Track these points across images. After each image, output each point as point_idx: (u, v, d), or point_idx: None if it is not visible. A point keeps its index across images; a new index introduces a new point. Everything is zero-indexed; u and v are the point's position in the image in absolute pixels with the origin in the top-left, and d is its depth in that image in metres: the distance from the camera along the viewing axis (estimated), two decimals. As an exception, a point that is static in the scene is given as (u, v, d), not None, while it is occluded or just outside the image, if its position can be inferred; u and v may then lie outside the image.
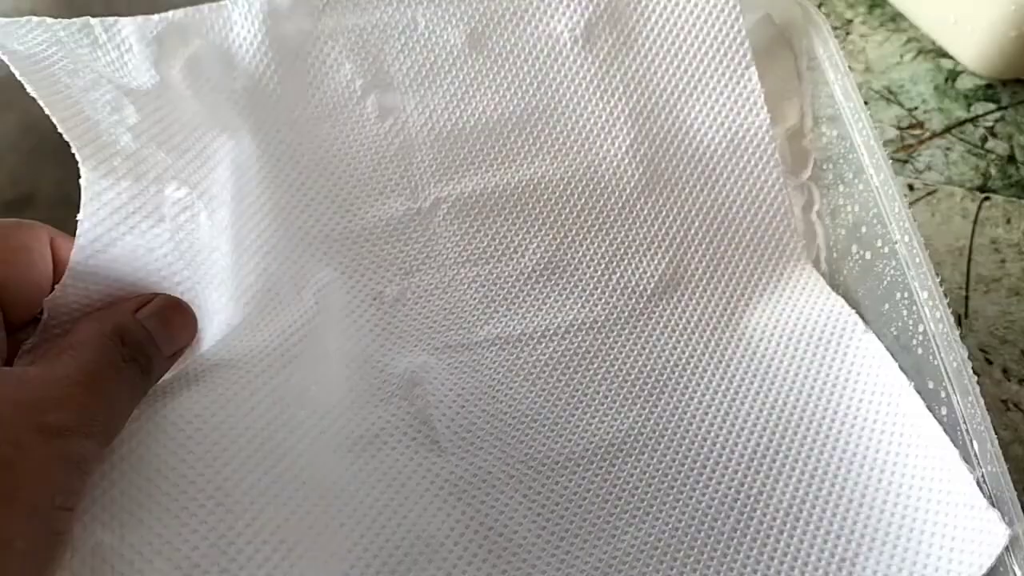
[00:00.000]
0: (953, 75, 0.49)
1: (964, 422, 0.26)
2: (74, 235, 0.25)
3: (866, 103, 0.49)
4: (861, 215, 0.32)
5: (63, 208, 0.27)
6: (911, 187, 0.45)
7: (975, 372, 0.40)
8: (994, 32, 0.45)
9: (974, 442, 0.26)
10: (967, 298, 0.42)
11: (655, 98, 0.35)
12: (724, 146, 0.35)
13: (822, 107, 0.35)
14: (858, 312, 0.32)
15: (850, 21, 0.52)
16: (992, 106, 0.48)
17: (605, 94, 0.35)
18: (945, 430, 0.27)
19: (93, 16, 0.31)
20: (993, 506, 0.25)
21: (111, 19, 0.32)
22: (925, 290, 0.29)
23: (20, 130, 0.40)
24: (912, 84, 0.49)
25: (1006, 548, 0.25)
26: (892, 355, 0.30)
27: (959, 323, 0.41)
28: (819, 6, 0.53)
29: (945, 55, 0.50)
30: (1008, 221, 0.44)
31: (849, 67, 0.51)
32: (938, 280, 0.29)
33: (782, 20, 0.34)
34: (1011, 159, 0.46)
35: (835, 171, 0.34)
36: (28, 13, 0.30)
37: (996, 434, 0.37)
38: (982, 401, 0.26)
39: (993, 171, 0.46)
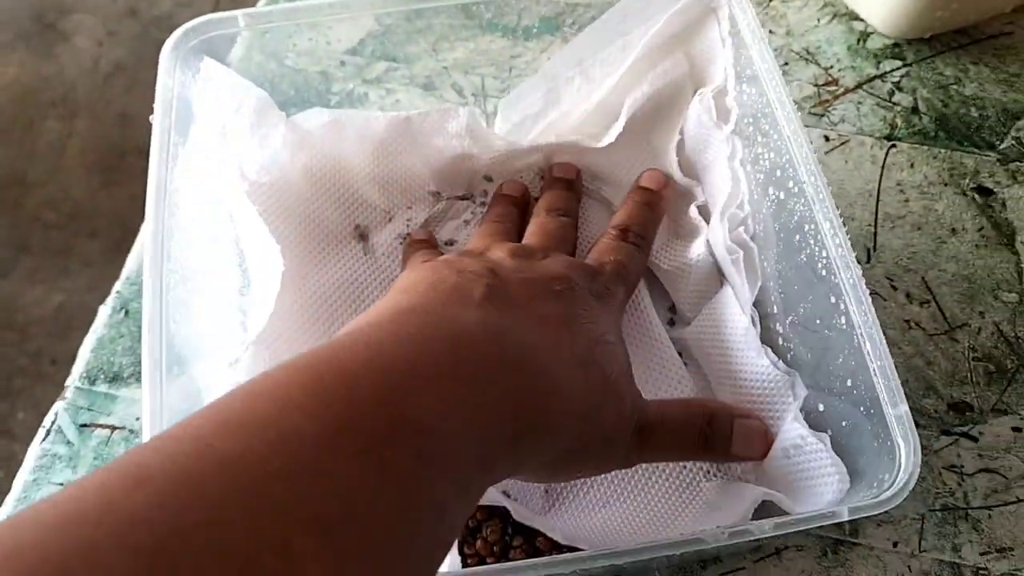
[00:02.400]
0: (864, 36, 0.55)
1: (859, 328, 0.32)
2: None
3: (787, 64, 0.54)
4: (776, 160, 0.37)
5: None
6: (827, 138, 0.51)
7: (882, 297, 0.46)
8: (899, -3, 0.51)
9: (866, 342, 0.32)
10: (875, 234, 0.48)
11: None
12: None
13: (743, 68, 0.40)
14: (774, 242, 0.38)
15: (773, -12, 0.57)
16: (898, 63, 0.54)
17: None
18: (842, 336, 0.33)
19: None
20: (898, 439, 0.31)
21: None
22: (827, 221, 0.34)
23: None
24: (828, 45, 0.54)
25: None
26: (802, 274, 0.36)
27: (868, 257, 0.47)
28: (745, -25, 0.58)
29: (857, 18, 0.55)
30: (912, 165, 0.50)
31: (771, 31, 0.56)
32: (839, 213, 0.34)
33: (707, -7, 0.39)
34: (915, 110, 0.52)
35: (755, 125, 0.39)
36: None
37: (900, 349, 0.43)
38: (873, 309, 0.32)
39: (899, 121, 0.51)
